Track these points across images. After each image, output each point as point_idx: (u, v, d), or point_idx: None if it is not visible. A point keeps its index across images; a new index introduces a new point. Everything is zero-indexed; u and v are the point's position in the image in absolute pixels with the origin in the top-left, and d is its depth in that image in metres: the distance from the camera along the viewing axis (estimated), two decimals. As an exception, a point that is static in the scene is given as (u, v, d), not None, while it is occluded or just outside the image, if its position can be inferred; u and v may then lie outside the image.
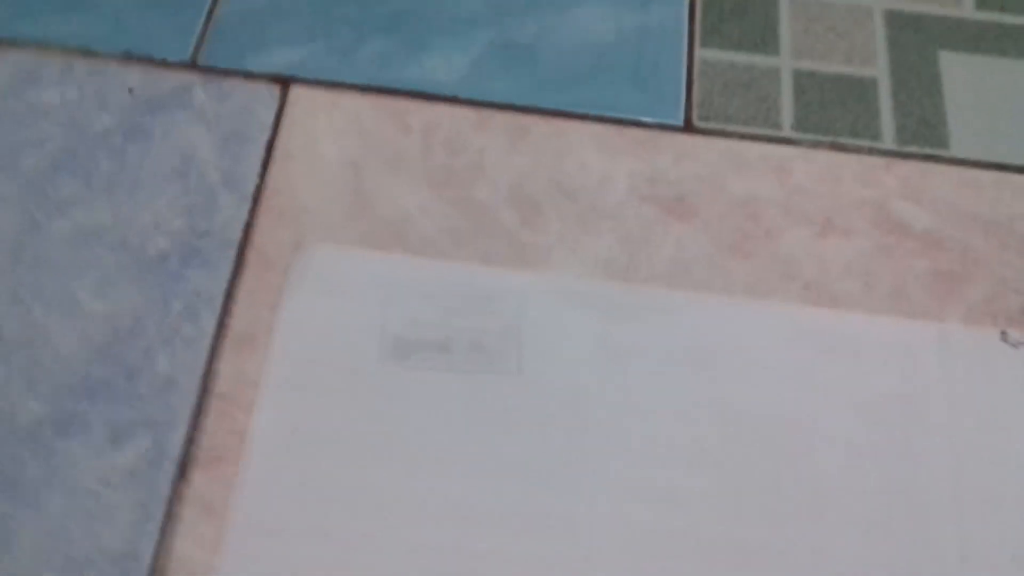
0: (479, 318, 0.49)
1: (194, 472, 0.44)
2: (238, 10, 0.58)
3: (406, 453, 0.45)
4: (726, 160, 0.54)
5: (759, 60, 0.58)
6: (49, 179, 0.52)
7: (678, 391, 0.48)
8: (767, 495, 0.45)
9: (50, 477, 0.44)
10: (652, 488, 0.45)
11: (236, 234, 0.51)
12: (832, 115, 0.57)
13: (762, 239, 0.52)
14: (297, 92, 0.55)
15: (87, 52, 0.56)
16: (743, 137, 0.55)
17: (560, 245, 0.52)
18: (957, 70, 0.58)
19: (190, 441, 0.45)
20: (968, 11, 0.60)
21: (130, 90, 0.55)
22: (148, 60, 0.56)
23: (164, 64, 0.56)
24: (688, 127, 0.56)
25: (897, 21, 0.60)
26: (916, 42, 0.59)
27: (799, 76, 0.58)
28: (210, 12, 0.58)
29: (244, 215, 0.52)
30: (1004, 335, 0.50)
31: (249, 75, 0.56)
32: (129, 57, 0.56)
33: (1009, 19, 0.60)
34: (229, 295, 0.49)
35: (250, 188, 0.52)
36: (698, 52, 0.59)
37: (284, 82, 0.56)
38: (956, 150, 0.55)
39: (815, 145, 0.55)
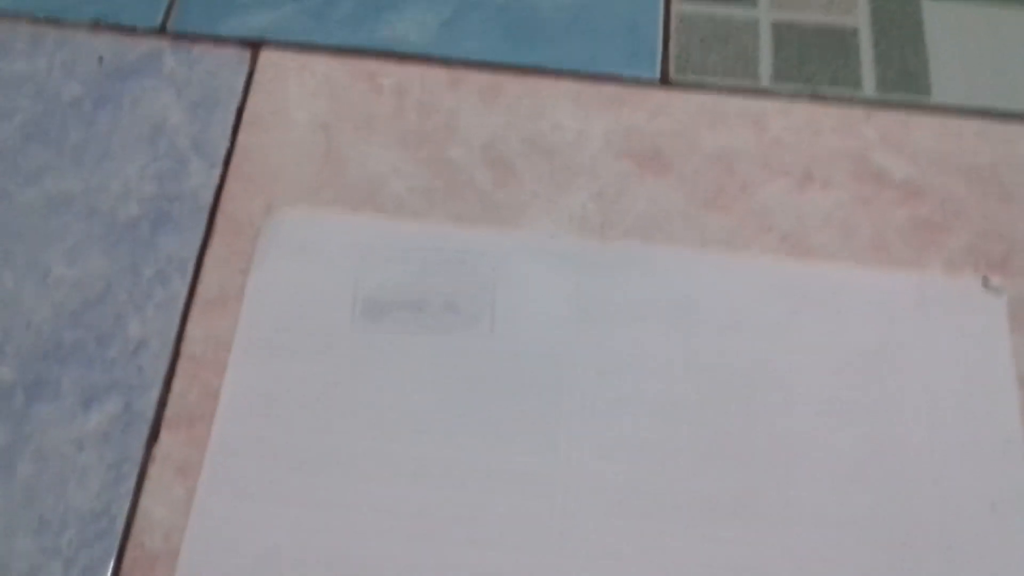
0: (453, 278, 0.49)
1: (166, 434, 0.44)
2: (208, -25, 0.57)
3: (379, 414, 0.45)
4: (703, 114, 0.54)
5: (737, 12, 0.58)
6: (19, 149, 0.52)
7: (653, 346, 0.47)
8: (743, 449, 0.45)
9: (22, 442, 0.44)
10: (627, 444, 0.45)
11: (207, 199, 0.51)
12: (812, 66, 0.56)
13: (739, 192, 0.52)
14: (267, 56, 0.55)
15: (56, 21, 0.56)
16: (721, 90, 0.55)
17: (534, 203, 0.51)
18: (940, 17, 0.57)
19: (162, 403, 0.45)
20: (950, -44, 0.59)
21: (100, 58, 0.55)
22: (117, 28, 0.56)
23: (133, 31, 0.56)
24: (665, 81, 0.55)
25: (878, -31, 0.59)
26: (898, -10, 0.58)
27: (778, 27, 0.57)
28: (179, -23, 0.57)
29: (215, 180, 0.51)
30: (986, 281, 0.49)
31: (219, 40, 0.55)
32: (98, 25, 0.56)
33: (992, -37, 0.59)
34: (200, 260, 0.49)
35: (221, 153, 0.52)
36: (675, 5, 0.58)
37: (254, 46, 0.55)
38: (938, 98, 0.55)
39: (794, 97, 0.55)
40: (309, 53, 0.55)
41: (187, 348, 0.47)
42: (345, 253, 0.49)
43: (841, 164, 0.52)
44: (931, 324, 0.48)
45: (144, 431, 0.44)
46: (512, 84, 0.55)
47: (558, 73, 0.55)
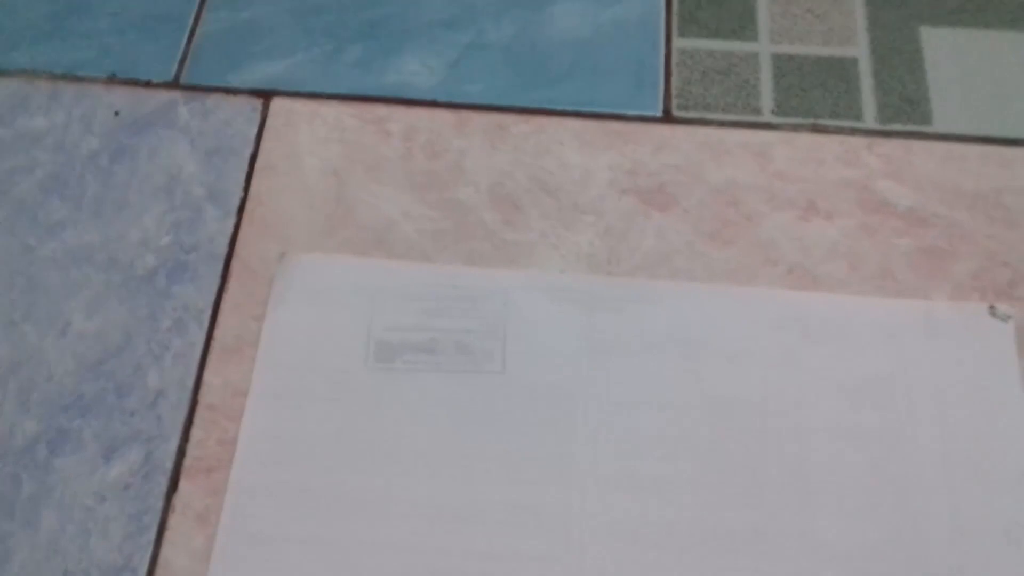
0: (463, 318, 0.49)
1: (185, 483, 0.45)
2: (218, 28, 0.59)
3: (394, 455, 0.46)
4: (706, 148, 0.54)
5: (737, 46, 0.58)
6: (39, 203, 0.53)
7: (662, 381, 0.48)
8: (755, 481, 0.45)
9: (45, 494, 0.45)
10: (640, 478, 0.45)
11: (222, 247, 0.52)
12: (813, 97, 0.56)
13: (743, 225, 0.52)
14: (278, 104, 0.56)
15: (73, 77, 0.57)
16: (723, 124, 0.55)
17: (542, 242, 0.52)
18: (938, 45, 0.58)
19: (180, 453, 0.46)
20: (947, -15, 0.60)
21: (116, 112, 0.56)
22: (132, 82, 0.57)
23: (148, 85, 0.57)
24: (667, 117, 0.56)
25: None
26: (896, 19, 0.59)
27: (778, 60, 0.58)
28: (192, 32, 0.59)
29: (229, 228, 0.52)
30: (992, 310, 0.49)
31: (231, 90, 0.57)
32: (114, 79, 0.57)
33: (989, -10, 0.59)
34: (216, 307, 0.50)
35: (235, 201, 0.53)
36: (675, 42, 0.59)
37: (265, 95, 0.57)
38: (939, 125, 0.55)
39: (796, 128, 0.55)
40: (319, 100, 0.56)
41: (204, 396, 0.48)
42: (357, 296, 0.50)
43: (845, 194, 0.53)
44: (940, 352, 0.48)
45: (164, 481, 0.45)
46: (518, 124, 0.56)
47: (562, 112, 0.56)
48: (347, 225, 0.53)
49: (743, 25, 0.59)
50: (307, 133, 0.55)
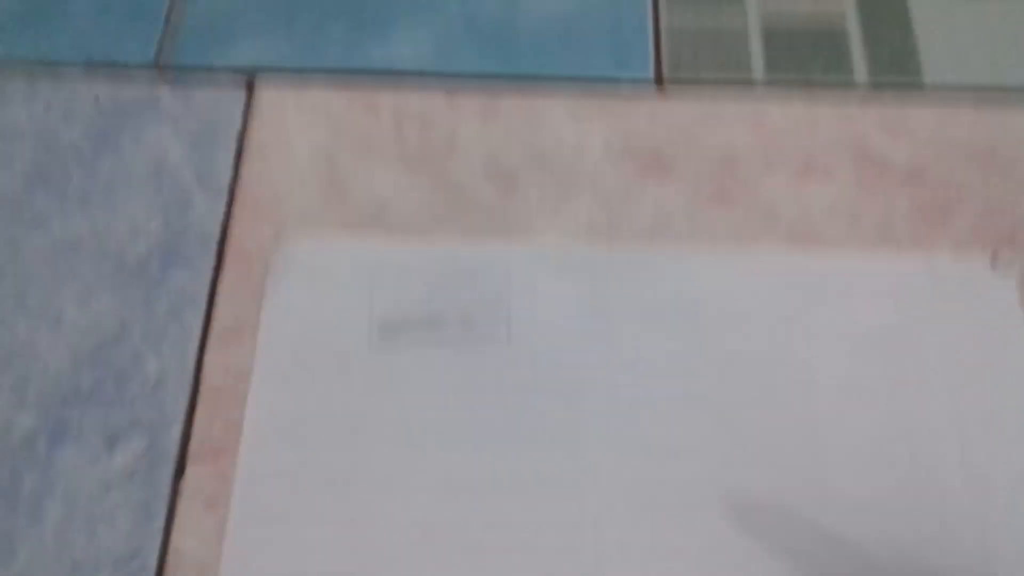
0: (465, 292, 0.49)
1: (192, 468, 0.44)
2: (198, 8, 0.58)
3: (402, 431, 0.45)
4: (700, 113, 0.54)
5: (726, 8, 0.58)
6: (23, 196, 0.52)
7: (668, 346, 0.47)
8: (765, 439, 0.45)
9: (48, 487, 0.44)
10: (652, 442, 0.45)
11: (214, 231, 0.51)
12: (803, 56, 0.56)
13: (741, 188, 0.52)
14: (263, 85, 0.55)
15: (50, 64, 0.56)
16: (715, 88, 0.55)
17: (540, 214, 0.51)
18: (925, -1, 0.58)
19: (185, 438, 0.45)
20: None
21: (96, 98, 0.55)
22: (111, 66, 0.56)
23: (128, 69, 0.56)
24: (659, 84, 0.55)
25: (861, -43, 0.59)
26: (882, -25, 0.59)
27: (767, 19, 0.57)
28: (169, 13, 0.58)
29: (221, 212, 0.51)
30: (994, 260, 0.49)
31: (214, 72, 0.56)
32: (92, 65, 0.56)
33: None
34: (213, 292, 0.49)
35: (224, 185, 0.52)
36: (663, 7, 0.58)
37: (250, 76, 0.55)
38: (931, 78, 0.55)
39: (788, 88, 0.55)
40: (305, 79, 0.55)
41: (207, 381, 0.47)
42: (357, 276, 0.49)
43: (841, 152, 0.53)
44: (944, 305, 0.48)
45: (170, 467, 0.44)
46: (509, 97, 0.55)
47: (554, 84, 0.55)
48: (341, 205, 0.52)
49: (730, -12, 0.59)
50: (294, 113, 0.54)
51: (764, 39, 0.57)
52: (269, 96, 0.55)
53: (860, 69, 0.55)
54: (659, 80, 0.55)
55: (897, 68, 0.55)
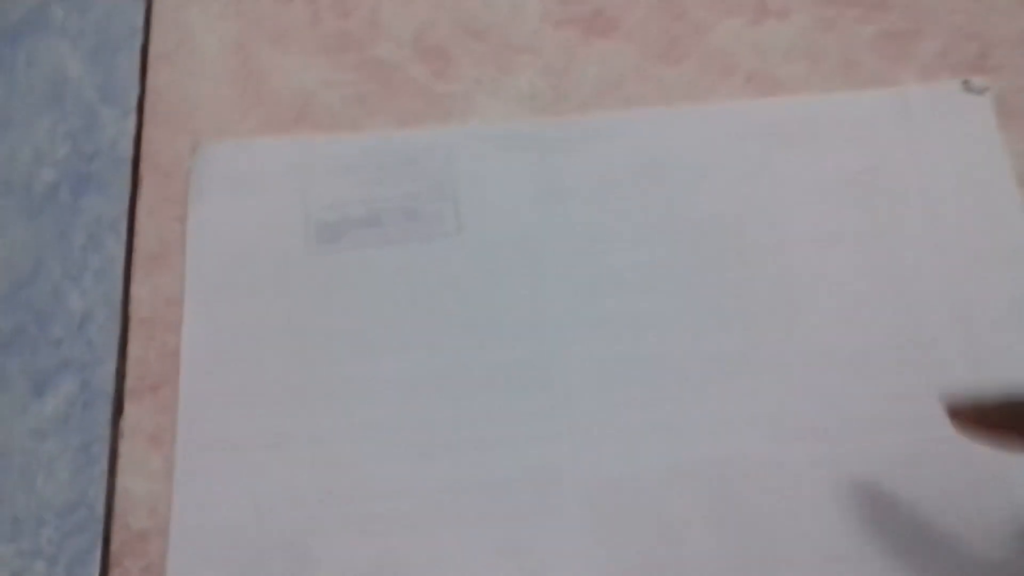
0: (406, 184, 0.45)
1: (131, 405, 0.41)
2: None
3: (353, 337, 0.42)
4: (640, -40, 0.49)
5: None
6: (-88, 133, 0.47)
7: (630, 214, 0.44)
8: (742, 299, 0.42)
9: (-23, 442, 0.41)
10: (620, 317, 0.42)
11: (126, 150, 0.47)
12: None
13: (692, 38, 0.48)
14: (161, -17, 0.50)
15: (-78, -13, 0.50)
16: (654, -68, 0.50)
17: (479, 90, 0.47)
18: None
19: (121, 374, 0.42)
20: None
21: (-21, 19, 0.50)
22: (-9, -18, 0.50)
23: (9, -17, 0.50)
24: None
25: None
26: None
27: None
28: (48, -84, 0.52)
29: (131, 128, 0.47)
30: (967, 84, 0.46)
31: (105, -24, 0.50)
32: (-30, -17, 0.50)
33: None
34: (132, 215, 0.45)
35: (132, 98, 0.48)
36: None
37: (145, -25, 0.50)
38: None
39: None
40: (205, -28, 0.50)
41: (136, 311, 0.43)
42: (286, 177, 0.45)
43: (795, -13, 0.49)
44: (918, 136, 0.45)
45: (107, 407, 0.41)
46: (431, -33, 0.50)
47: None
48: (261, 104, 0.47)
49: None
50: (199, 10, 0.50)
51: None
52: (168, -5, 0.50)
53: None
54: (593, -70, 0.50)
55: None
